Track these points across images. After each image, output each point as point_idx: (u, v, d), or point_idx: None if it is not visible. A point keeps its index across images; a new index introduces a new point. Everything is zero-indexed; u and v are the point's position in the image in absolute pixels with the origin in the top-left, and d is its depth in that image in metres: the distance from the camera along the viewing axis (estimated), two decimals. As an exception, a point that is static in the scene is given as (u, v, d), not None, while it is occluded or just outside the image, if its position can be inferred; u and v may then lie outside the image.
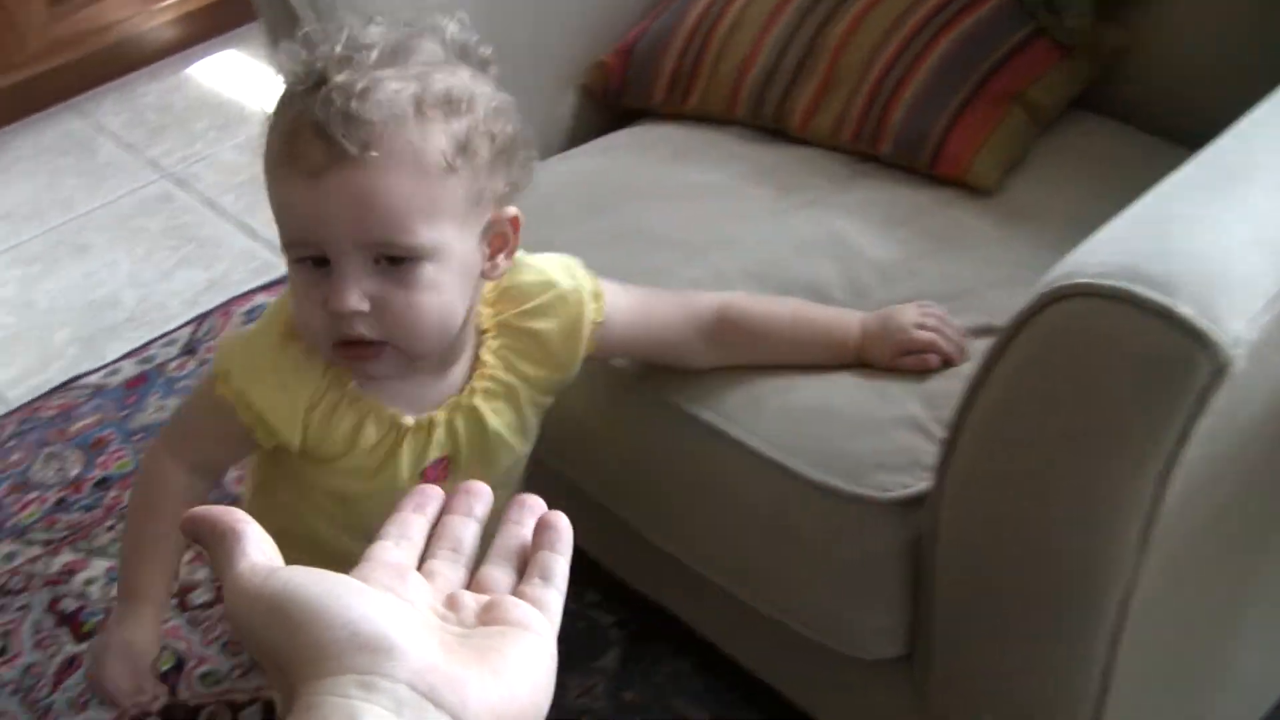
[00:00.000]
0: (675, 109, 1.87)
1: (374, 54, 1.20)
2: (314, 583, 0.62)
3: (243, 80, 3.57)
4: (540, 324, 1.37)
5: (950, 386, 1.37)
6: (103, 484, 2.38)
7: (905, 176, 1.69)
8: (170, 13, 3.65)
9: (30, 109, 3.56)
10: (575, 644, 1.95)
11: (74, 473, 2.41)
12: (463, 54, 1.26)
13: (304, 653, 0.60)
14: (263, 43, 3.61)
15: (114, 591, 2.11)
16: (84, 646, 2.09)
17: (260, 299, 2.73)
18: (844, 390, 1.41)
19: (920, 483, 1.33)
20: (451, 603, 0.67)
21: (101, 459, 2.43)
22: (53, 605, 2.16)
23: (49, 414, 2.56)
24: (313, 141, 1.18)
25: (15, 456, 2.47)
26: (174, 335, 2.67)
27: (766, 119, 1.78)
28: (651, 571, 1.77)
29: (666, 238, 1.61)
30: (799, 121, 1.76)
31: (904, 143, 1.68)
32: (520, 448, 1.43)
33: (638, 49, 1.89)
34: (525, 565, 0.71)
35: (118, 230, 3.02)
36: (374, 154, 1.16)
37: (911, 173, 1.69)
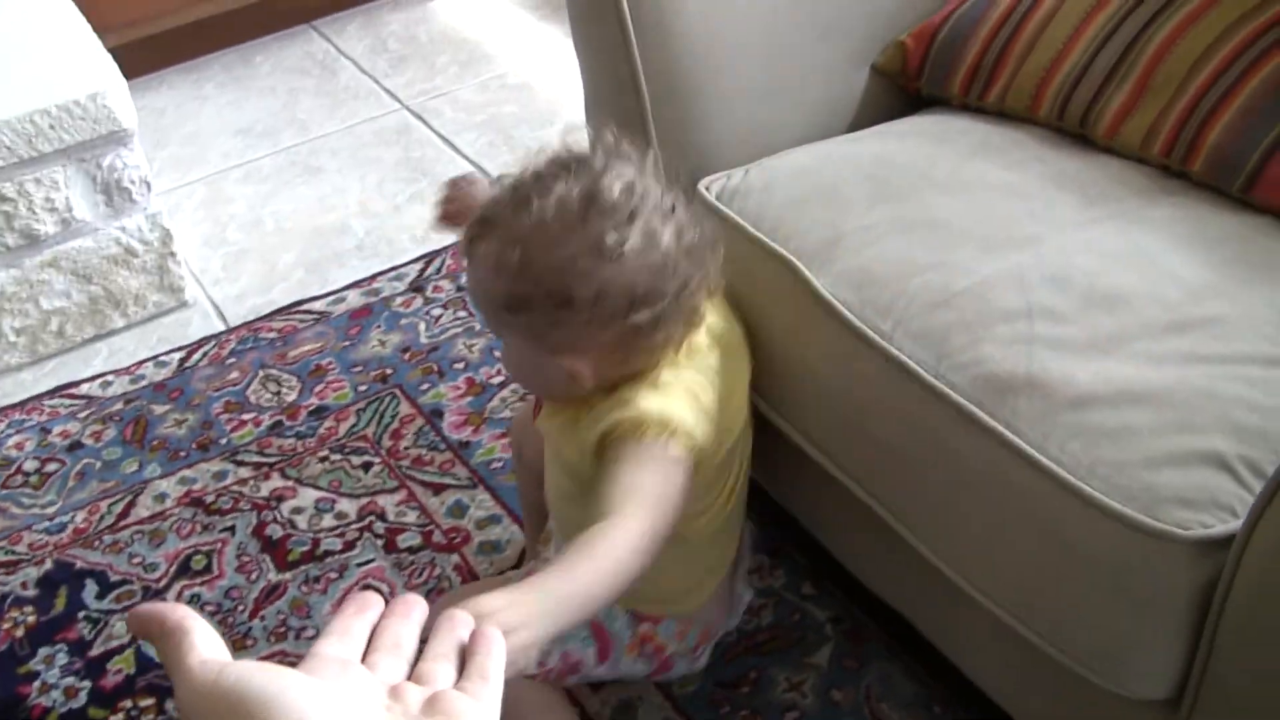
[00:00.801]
0: (973, 102, 1.77)
1: None
2: (266, 679, 0.65)
3: (487, 20, 3.52)
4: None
5: (1263, 424, 1.28)
6: (318, 413, 2.34)
7: (1216, 198, 1.58)
8: (422, -55, 3.61)
9: (274, 26, 3.55)
10: (788, 637, 1.88)
11: (290, 398, 2.38)
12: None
13: None
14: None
15: (323, 522, 2.07)
16: (287, 575, 2.05)
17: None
18: (1144, 413, 1.31)
19: (1220, 524, 1.24)
20: (395, 694, 0.70)
21: (319, 388, 2.39)
22: (259, 530, 2.13)
23: (269, 336, 2.53)
24: None
25: (233, 375, 2.44)
26: (402, 270, 2.64)
27: (1071, 122, 1.68)
28: (888, 568, 1.69)
29: (963, 232, 1.52)
30: (1106, 128, 1.66)
31: (1220, 163, 1.57)
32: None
33: (941, 34, 1.80)
34: (463, 665, 0.75)
35: (352, 157, 2.99)
36: None
37: (1222, 195, 1.58)
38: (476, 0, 3.62)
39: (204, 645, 0.69)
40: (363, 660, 0.73)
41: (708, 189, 1.67)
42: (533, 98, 3.15)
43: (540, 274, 1.36)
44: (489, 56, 3.35)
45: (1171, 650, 1.29)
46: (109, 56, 2.56)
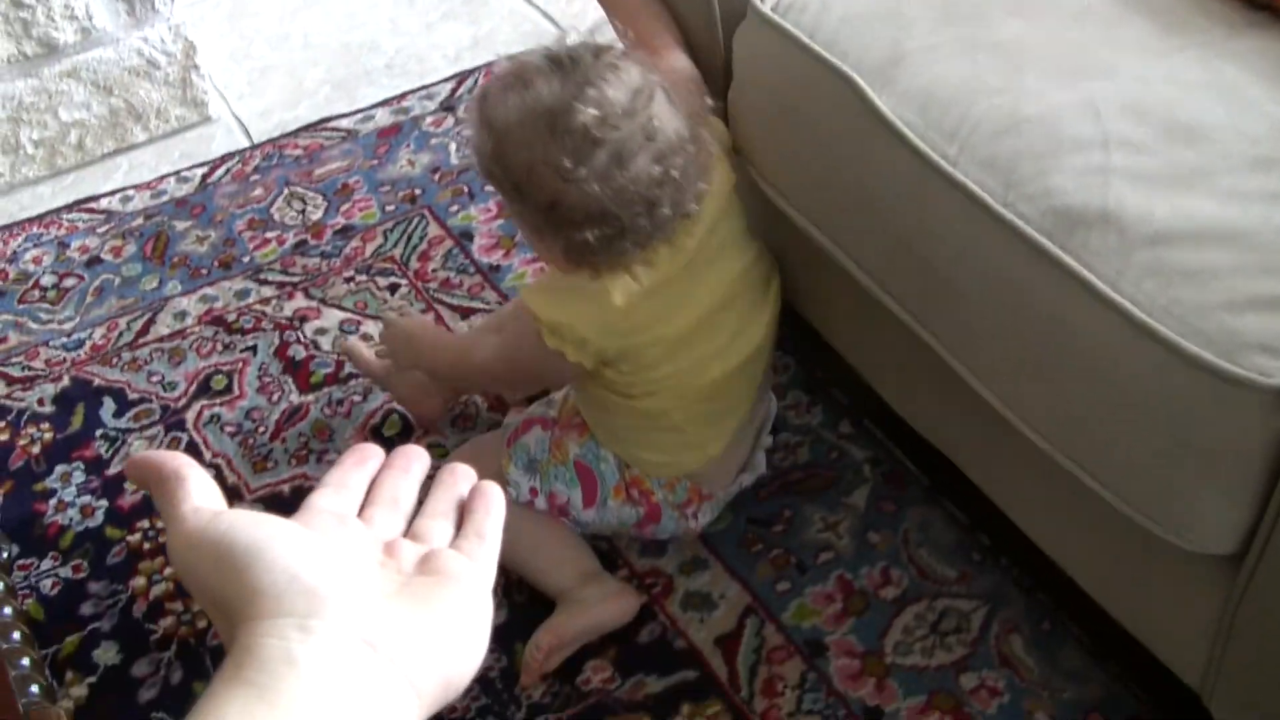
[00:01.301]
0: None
1: None
2: (256, 526, 0.64)
3: None
4: None
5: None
6: (345, 232, 2.27)
7: (1303, 31, 1.48)
8: None
9: None
10: (824, 476, 1.83)
11: (315, 217, 2.31)
12: None
13: (245, 595, 0.61)
14: None
15: (343, 341, 2.01)
16: (309, 398, 1.99)
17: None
18: (1226, 253, 1.23)
19: (1305, 374, 1.16)
20: (390, 550, 0.68)
21: (345, 207, 2.32)
22: (281, 351, 2.07)
23: (295, 153, 2.45)
24: None
25: (257, 192, 2.37)
26: (433, 89, 2.55)
27: (1149, -57, 1.58)
28: (936, 405, 1.63)
29: (1033, 56, 1.43)
30: (1187, -49, 1.55)
31: (1309, -8, 1.48)
32: None
33: None
34: (461, 522, 0.73)
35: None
36: None
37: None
38: None
39: (199, 494, 0.66)
40: (359, 514, 0.71)
41: (761, 1, 1.58)
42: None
43: (506, 167, 1.47)
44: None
45: (1240, 503, 1.23)
46: None
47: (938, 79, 1.43)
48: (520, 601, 1.71)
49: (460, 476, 0.75)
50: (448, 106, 2.50)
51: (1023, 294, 1.31)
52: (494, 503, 0.74)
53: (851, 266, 1.53)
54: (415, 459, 0.75)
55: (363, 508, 0.71)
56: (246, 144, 2.50)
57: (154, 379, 2.06)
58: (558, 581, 1.69)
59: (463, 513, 0.73)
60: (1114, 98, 1.37)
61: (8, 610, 1.67)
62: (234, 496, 1.86)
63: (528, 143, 1.43)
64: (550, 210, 1.46)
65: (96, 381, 2.06)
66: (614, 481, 1.67)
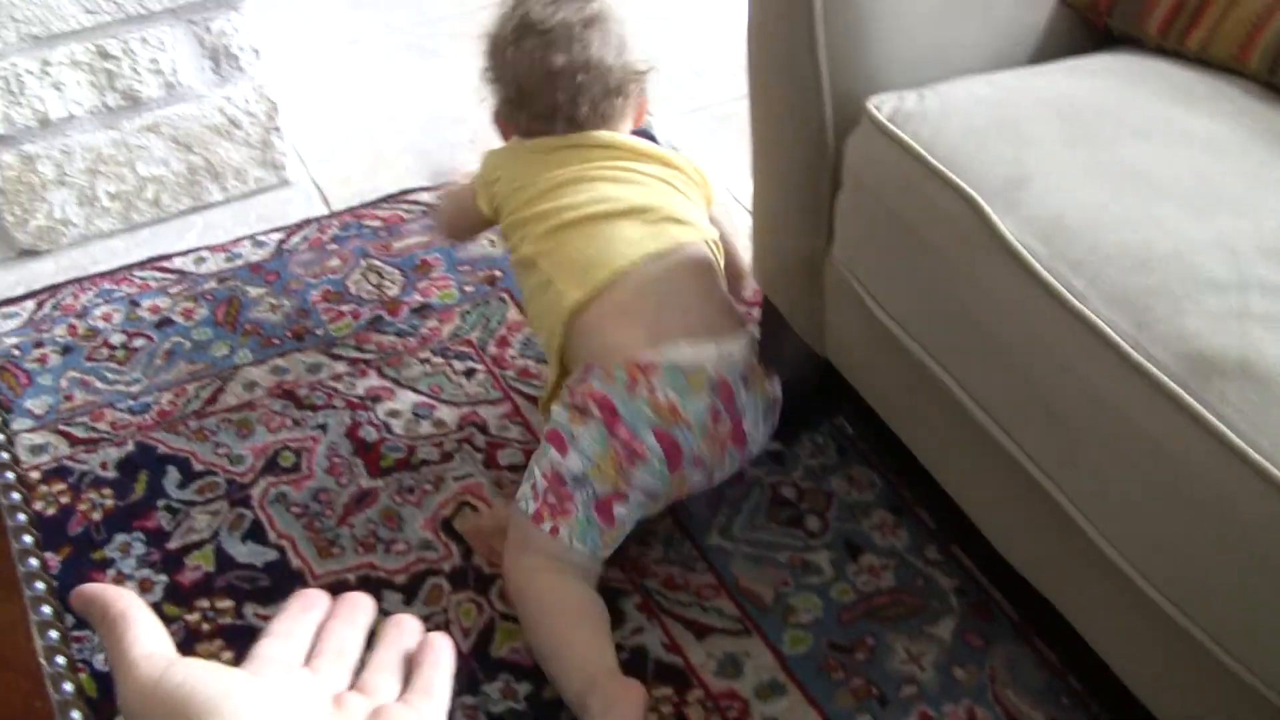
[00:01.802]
0: (1171, 44, 1.62)
1: None
2: (212, 679, 0.64)
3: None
4: None
5: None
6: (422, 311, 2.22)
7: None
8: None
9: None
10: (909, 603, 1.76)
11: (392, 292, 2.26)
12: None
13: None
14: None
15: (420, 429, 1.96)
16: (379, 482, 1.94)
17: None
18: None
19: None
20: (339, 702, 0.69)
21: (423, 284, 2.27)
22: (352, 430, 2.02)
23: (373, 224, 2.41)
24: None
25: (333, 262, 2.33)
26: (518, 168, 2.50)
27: (1285, 76, 1.53)
28: (1033, 539, 1.55)
29: (1165, 187, 1.37)
30: (1325, 86, 1.50)
31: None
32: None
33: (1138, -36, 1.64)
34: (408, 675, 0.73)
35: (471, 43, 2.83)
36: None
37: None
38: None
39: (147, 637, 0.67)
40: (306, 663, 0.71)
41: (878, 108, 1.53)
42: (660, -5, 3.01)
43: (486, 55, 1.98)
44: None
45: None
46: (226, -87, 2.43)
47: (1064, 205, 1.37)
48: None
49: (406, 630, 0.76)
50: (532, 186, 2.45)
51: (1149, 441, 1.24)
52: (442, 656, 0.74)
53: (958, 392, 1.47)
54: (360, 609, 0.75)
55: (309, 657, 0.71)
56: (324, 211, 2.46)
57: (220, 450, 2.00)
58: (566, 694, 1.63)
59: (410, 666, 0.74)
60: (1251, 236, 1.31)
61: (68, 687, 1.62)
62: (298, 581, 1.80)
63: (498, 36, 1.94)
64: (495, 82, 1.96)
65: (161, 449, 2.01)
66: (566, 417, 1.69)
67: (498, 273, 2.28)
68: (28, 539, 1.25)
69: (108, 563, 1.86)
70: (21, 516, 1.28)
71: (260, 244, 2.39)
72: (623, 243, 1.77)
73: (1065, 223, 1.36)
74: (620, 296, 1.74)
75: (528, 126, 1.93)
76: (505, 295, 2.23)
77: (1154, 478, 1.24)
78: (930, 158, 1.45)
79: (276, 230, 2.42)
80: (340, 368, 2.12)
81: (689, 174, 1.93)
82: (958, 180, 1.42)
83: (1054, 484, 1.37)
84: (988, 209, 1.39)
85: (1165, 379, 1.22)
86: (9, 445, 1.36)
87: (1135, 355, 1.25)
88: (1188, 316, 1.25)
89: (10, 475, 1.33)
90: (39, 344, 2.22)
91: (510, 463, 1.95)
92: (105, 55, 2.32)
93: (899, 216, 1.49)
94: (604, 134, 1.92)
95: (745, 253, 1.99)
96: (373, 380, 2.10)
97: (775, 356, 1.94)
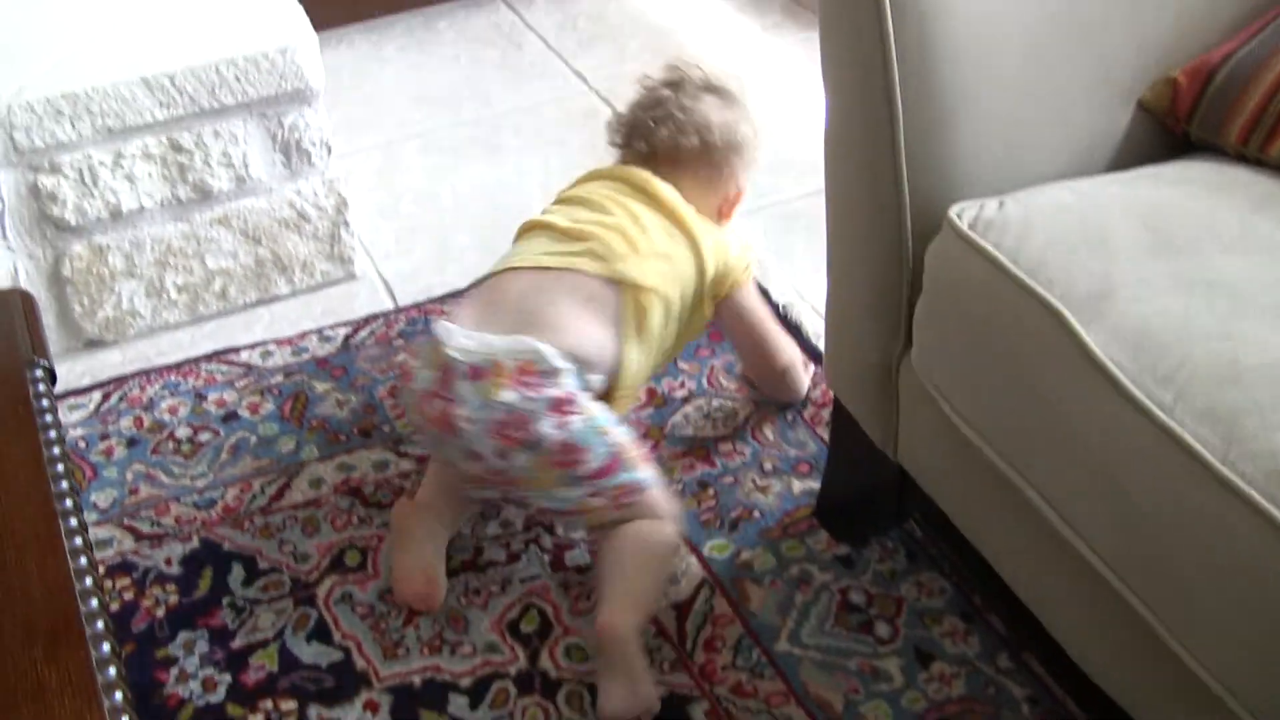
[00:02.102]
0: (1253, 153, 1.60)
1: None
2: None
3: (682, 5, 3.38)
4: None
5: None
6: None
7: None
8: (621, -77, 3.49)
9: (461, -7, 3.44)
10: (980, 711, 1.75)
11: (460, 390, 2.25)
12: None
13: None
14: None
15: (486, 528, 1.95)
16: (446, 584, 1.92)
17: (680, 245, 2.53)
18: None
19: None
20: None
21: (490, 382, 2.26)
22: (418, 528, 2.00)
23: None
24: None
25: (400, 358, 2.32)
26: (585, 264, 2.50)
27: (1372, 186, 1.51)
28: (1115, 652, 1.52)
29: (1253, 299, 1.36)
30: None
31: None
32: None
33: (1218, 75, 1.63)
34: None
35: (535, 137, 2.86)
36: None
37: None
38: (671, -15, 3.49)
39: None
40: None
41: (959, 216, 1.52)
42: (728, 93, 3.01)
43: None
44: (682, 46, 3.21)
45: None
46: (302, 11, 2.45)
47: (1151, 317, 1.36)
48: None
49: None
50: (599, 283, 2.44)
51: (1240, 558, 1.22)
52: None
53: (1038, 501, 1.45)
54: None
55: None
56: (391, 306, 2.47)
57: (286, 548, 2.00)
58: None
59: None
60: (1345, 352, 1.29)
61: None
62: (363, 683, 1.79)
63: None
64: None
65: (227, 545, 2.01)
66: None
67: (565, 370, 2.27)
68: (106, 647, 1.23)
69: (171, 661, 1.85)
70: (100, 624, 1.26)
71: (327, 338, 2.39)
72: (528, 251, 1.97)
73: (1152, 335, 1.34)
74: (486, 290, 1.96)
75: (616, 140, 2.14)
76: (572, 393, 2.22)
77: (1246, 596, 1.22)
78: (1014, 268, 1.44)
79: (343, 324, 2.42)
80: (407, 465, 2.11)
81: (699, 250, 2.01)
82: (1042, 291, 1.40)
83: (1137, 597, 1.35)
84: (1073, 321, 1.37)
85: (1256, 496, 1.20)
86: (87, 549, 1.35)
87: (1225, 471, 1.23)
88: (1278, 432, 1.23)
89: (89, 580, 1.32)
90: (105, 436, 2.22)
91: (577, 564, 1.94)
92: (178, 148, 2.34)
93: (981, 325, 1.48)
94: (646, 175, 2.05)
95: (779, 353, 2.12)
96: (440, 478, 2.09)
97: (844, 458, 1.93)
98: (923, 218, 1.59)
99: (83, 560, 1.35)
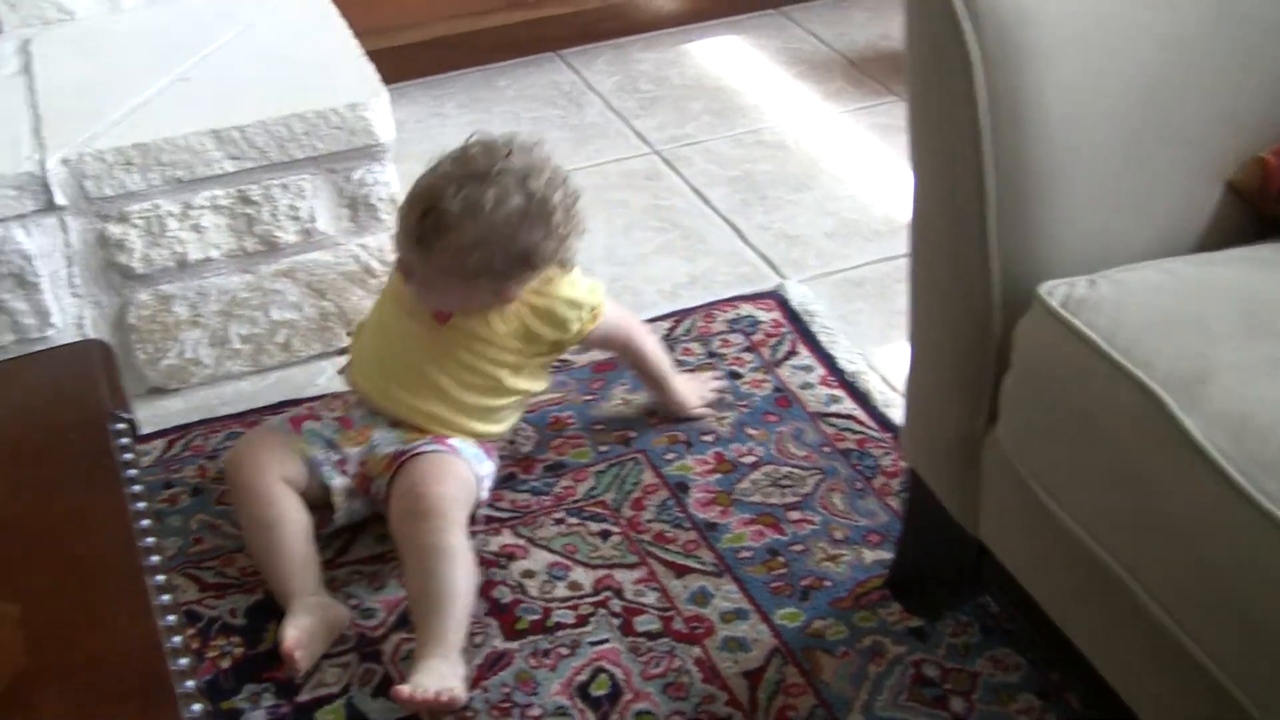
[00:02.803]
0: (1347, 233, 1.60)
1: None
2: None
3: (743, 69, 3.39)
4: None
5: None
6: (555, 469, 2.21)
7: None
8: (681, -16, 3.51)
9: (521, 51, 3.47)
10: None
11: (526, 449, 2.25)
12: None
13: None
14: (766, 33, 3.48)
15: (555, 590, 1.94)
16: (514, 645, 1.92)
17: (746, 308, 2.53)
18: None
19: None
20: None
21: (557, 442, 2.26)
22: (486, 590, 2.00)
23: (505, 377, 2.40)
24: None
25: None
26: (651, 326, 2.49)
27: None
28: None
29: (1355, 386, 1.34)
30: None
31: None
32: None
33: (1310, 154, 1.63)
34: None
35: (597, 197, 2.86)
36: None
37: None
38: (731, 49, 3.49)
39: None
40: None
41: (1050, 294, 1.51)
42: (789, 158, 3.02)
43: None
44: (744, 109, 3.22)
45: None
46: (372, 67, 2.46)
47: (1252, 402, 1.35)
48: None
49: None
50: (667, 345, 2.43)
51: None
52: None
53: (1131, 584, 1.43)
54: None
55: None
56: (455, 364, 2.46)
57: (352, 603, 1.99)
58: None
59: None
60: None
61: None
62: (432, 745, 1.78)
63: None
64: None
65: (292, 598, 2.00)
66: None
67: (631, 433, 2.27)
68: (197, 707, 1.23)
69: (237, 714, 1.84)
70: (190, 683, 1.26)
71: (391, 394, 2.39)
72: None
73: (1254, 421, 1.33)
74: None
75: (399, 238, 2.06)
76: (640, 456, 2.22)
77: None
78: (1109, 348, 1.43)
79: (406, 379, 2.41)
80: (474, 526, 2.10)
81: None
82: (1139, 373, 1.39)
83: (1237, 685, 1.33)
84: (1172, 404, 1.36)
85: (1368, 590, 1.19)
86: (174, 606, 1.34)
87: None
88: (1389, 524, 1.22)
89: (178, 639, 1.31)
90: (169, 484, 2.22)
91: (647, 629, 1.93)
92: (246, 200, 2.35)
93: (1074, 405, 1.47)
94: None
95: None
96: (506, 538, 2.08)
97: (919, 531, 1.92)
98: (1011, 294, 1.58)
99: (170, 618, 1.34)
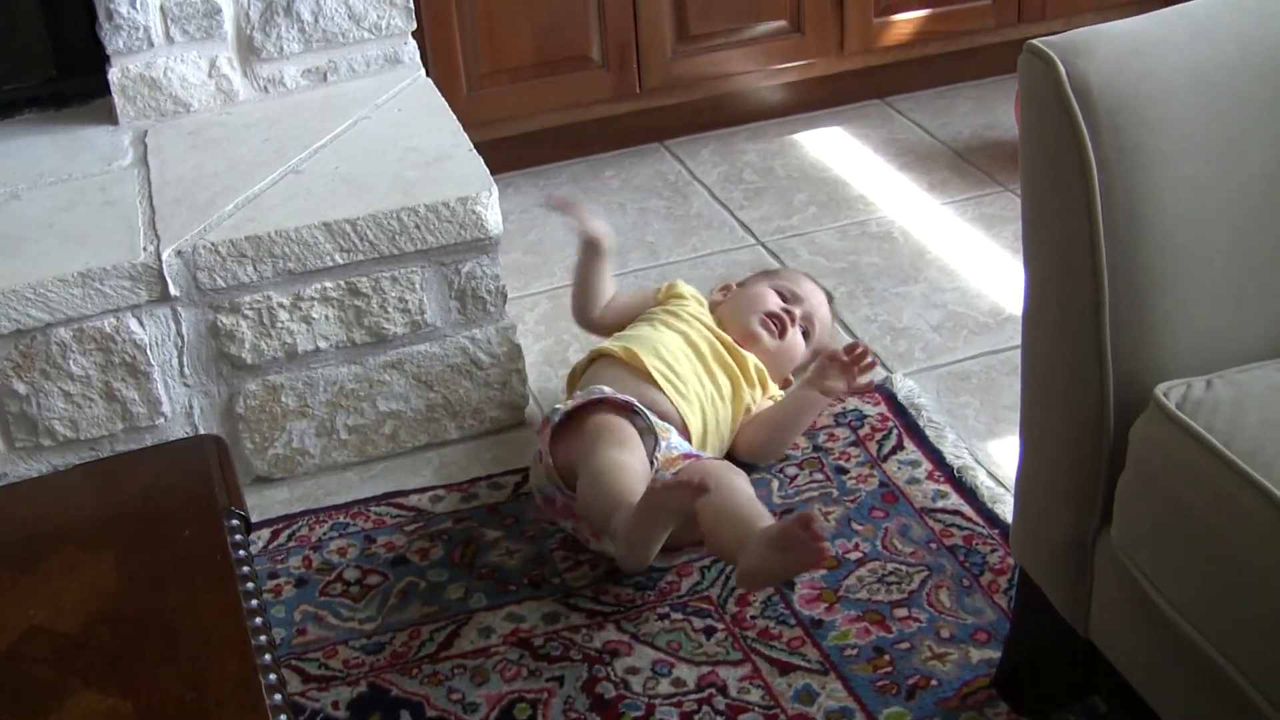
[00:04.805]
0: None
1: None
2: None
3: (847, 160, 3.39)
4: None
5: None
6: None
7: None
8: (787, 76, 3.52)
9: (626, 142, 3.49)
10: None
11: (630, 541, 2.24)
12: None
13: None
14: (870, 124, 3.49)
15: (658, 687, 1.93)
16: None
17: (853, 402, 2.52)
18: None
19: None
20: None
21: (661, 535, 2.25)
22: (589, 685, 1.99)
23: (609, 469, 2.40)
24: None
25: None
26: (756, 420, 2.49)
27: None
28: None
29: None
30: None
31: None
32: None
33: None
34: None
35: (702, 289, 2.85)
36: None
37: None
38: (836, 141, 3.50)
39: None
40: None
41: (1166, 395, 1.50)
42: (895, 250, 3.01)
43: None
44: (849, 201, 3.22)
45: None
46: (481, 162, 2.48)
47: (1374, 508, 1.32)
48: None
49: None
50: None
51: None
52: None
53: (1249, 689, 1.41)
54: None
55: None
56: (560, 457, 2.46)
57: (454, 697, 1.99)
58: None
59: None
60: None
61: None
62: (536, 843, 1.77)
63: None
64: None
65: (395, 691, 2.00)
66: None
67: (736, 527, 2.26)
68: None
69: (342, 808, 1.84)
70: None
71: (498, 486, 2.40)
72: None
73: (1377, 528, 1.30)
74: None
75: None
76: (744, 551, 2.20)
77: None
78: (1228, 451, 1.41)
79: (514, 473, 2.42)
80: (577, 619, 2.10)
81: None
82: (1259, 477, 1.37)
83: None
84: (1292, 508, 1.34)
85: None
86: (287, 708, 1.35)
87: None
88: None
89: (289, 735, 1.32)
90: (274, 574, 2.23)
91: (752, 726, 1.91)
92: (355, 292, 2.37)
93: (1190, 508, 1.44)
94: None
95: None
96: (610, 634, 2.07)
97: (1028, 630, 1.89)
98: (1126, 395, 1.57)
99: (283, 719, 1.35)
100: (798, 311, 2.49)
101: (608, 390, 2.24)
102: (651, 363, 2.31)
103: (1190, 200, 1.54)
